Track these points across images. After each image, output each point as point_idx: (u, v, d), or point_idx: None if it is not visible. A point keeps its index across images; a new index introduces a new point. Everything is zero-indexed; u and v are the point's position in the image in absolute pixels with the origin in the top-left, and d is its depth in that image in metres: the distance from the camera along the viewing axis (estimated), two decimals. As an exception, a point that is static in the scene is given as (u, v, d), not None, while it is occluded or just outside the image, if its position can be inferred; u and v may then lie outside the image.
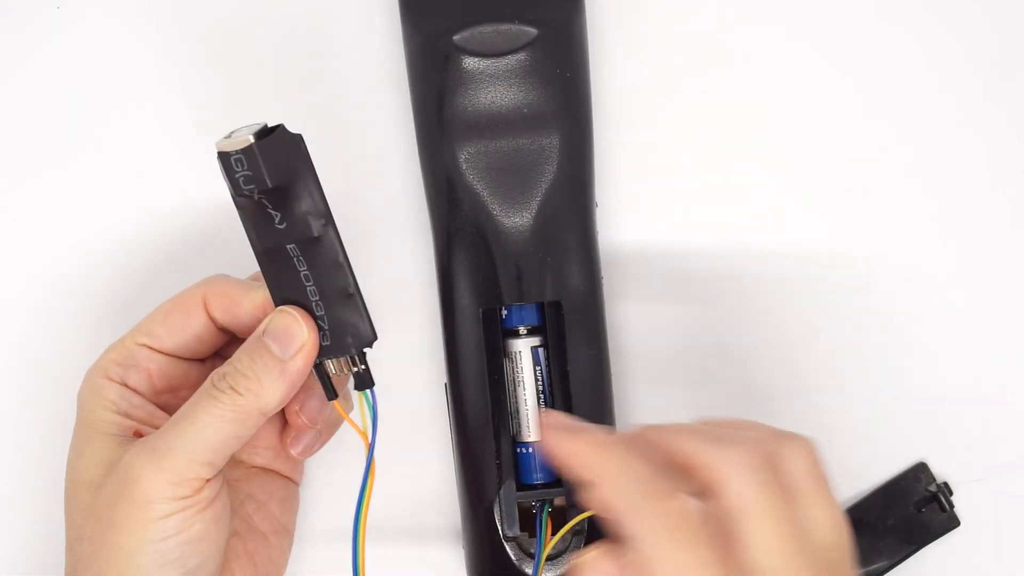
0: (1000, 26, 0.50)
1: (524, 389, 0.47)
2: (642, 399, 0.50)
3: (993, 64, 0.50)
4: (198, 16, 0.50)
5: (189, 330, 0.44)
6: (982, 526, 0.49)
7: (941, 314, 0.50)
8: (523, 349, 0.47)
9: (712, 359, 0.50)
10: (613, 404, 0.47)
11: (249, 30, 0.50)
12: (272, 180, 0.38)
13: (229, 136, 0.38)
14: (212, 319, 0.44)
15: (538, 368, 0.47)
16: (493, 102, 0.46)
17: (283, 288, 0.41)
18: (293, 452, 0.46)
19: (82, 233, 0.50)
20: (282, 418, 0.46)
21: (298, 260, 0.40)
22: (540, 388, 0.47)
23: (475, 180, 0.46)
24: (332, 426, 0.47)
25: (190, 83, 0.50)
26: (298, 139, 0.38)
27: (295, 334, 0.40)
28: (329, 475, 0.50)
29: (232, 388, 0.40)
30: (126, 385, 0.43)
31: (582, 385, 0.46)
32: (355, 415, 0.42)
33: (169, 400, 0.44)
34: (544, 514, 0.46)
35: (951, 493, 0.49)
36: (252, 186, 0.38)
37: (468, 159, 0.46)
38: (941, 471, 0.49)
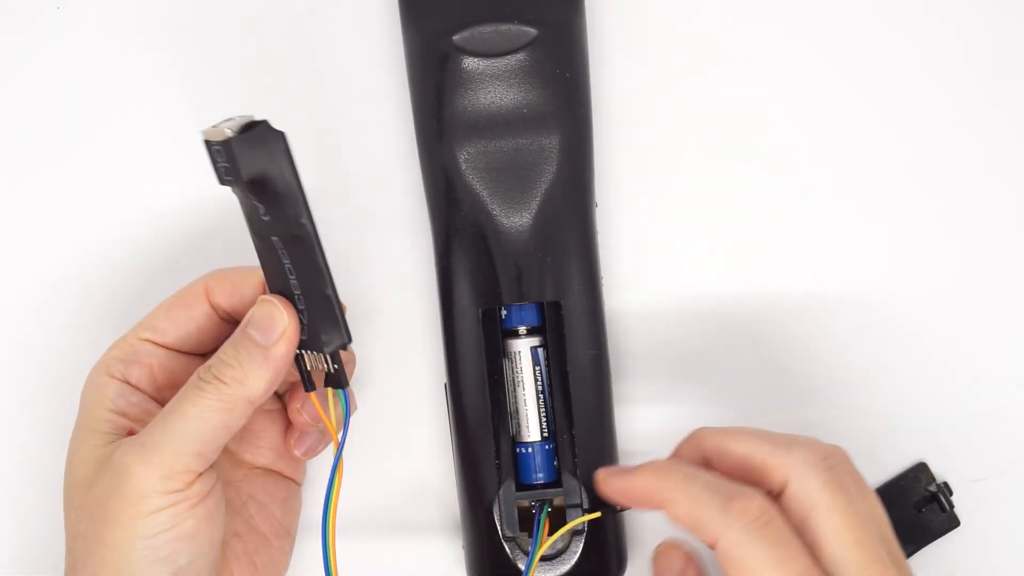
0: (1000, 26, 0.50)
1: (524, 389, 0.47)
2: (642, 399, 0.50)
3: (993, 64, 0.50)
4: (198, 16, 0.50)
5: (192, 322, 0.44)
6: (982, 526, 0.49)
7: (941, 314, 0.50)
8: (523, 349, 0.47)
9: (712, 359, 0.50)
10: (613, 404, 0.47)
11: (249, 30, 0.50)
12: (247, 174, 0.38)
13: (217, 125, 0.38)
14: (215, 308, 0.44)
15: (538, 368, 0.47)
16: (493, 102, 0.46)
17: (272, 276, 0.41)
18: (297, 452, 0.46)
19: (82, 233, 0.50)
20: (285, 419, 0.46)
21: (282, 253, 0.40)
22: (540, 388, 0.47)
23: (475, 180, 0.46)
24: (338, 428, 0.47)
25: (190, 83, 0.50)
26: (280, 136, 0.38)
27: (276, 320, 0.40)
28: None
29: (217, 378, 0.40)
30: (127, 382, 0.43)
31: (582, 385, 0.46)
32: (333, 414, 0.43)
33: (171, 396, 0.44)
34: (543, 514, 0.46)
35: (951, 493, 0.49)
36: (231, 177, 0.38)
37: (468, 159, 0.46)
38: (941, 471, 0.49)
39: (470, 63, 0.45)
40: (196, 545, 0.40)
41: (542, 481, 0.46)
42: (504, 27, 0.45)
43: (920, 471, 0.49)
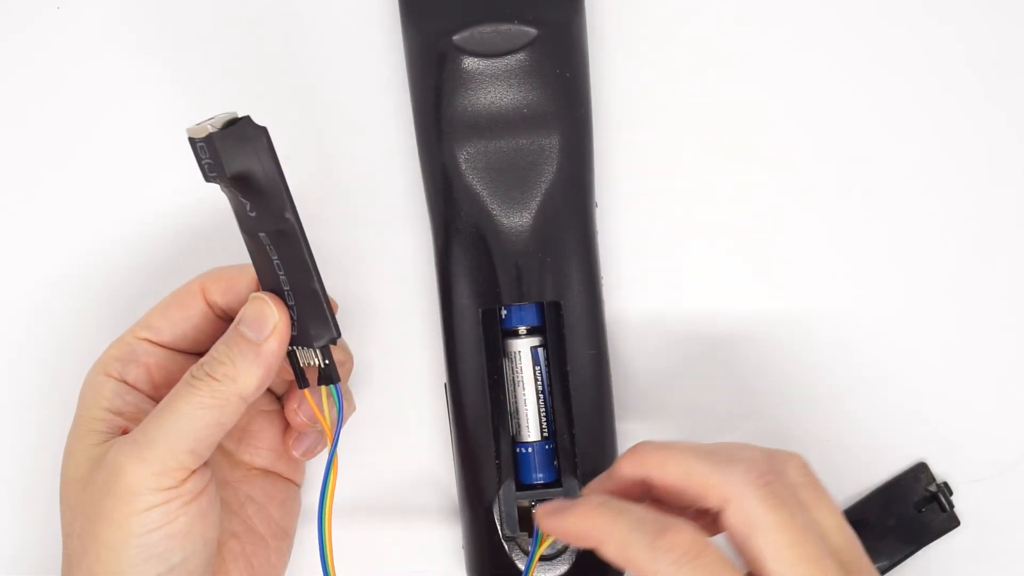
0: (1000, 26, 0.50)
1: (524, 389, 0.47)
2: (642, 399, 0.50)
3: (993, 64, 0.50)
4: (198, 16, 0.50)
5: (188, 321, 0.44)
6: (982, 526, 0.49)
7: (941, 314, 0.50)
8: (523, 349, 0.47)
9: (711, 359, 0.50)
10: (613, 404, 0.47)
11: (249, 30, 0.50)
12: (231, 170, 0.38)
13: (201, 122, 0.38)
14: (212, 307, 0.44)
15: (538, 368, 0.47)
16: (493, 102, 0.46)
17: (263, 273, 0.41)
18: (295, 453, 0.46)
19: (81, 233, 0.50)
20: (284, 419, 0.46)
21: (270, 249, 0.40)
22: (540, 388, 0.47)
23: (475, 180, 0.46)
24: (332, 426, 0.47)
25: (190, 83, 0.50)
26: (262, 131, 0.38)
27: (267, 316, 0.41)
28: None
29: (209, 375, 0.40)
30: (125, 381, 0.43)
31: (582, 385, 0.46)
32: (328, 411, 0.43)
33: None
34: (543, 514, 0.46)
35: (951, 493, 0.49)
36: (215, 174, 0.38)
37: (468, 159, 0.46)
38: (941, 471, 0.49)
39: (470, 63, 0.45)
40: (189, 543, 0.40)
41: (542, 481, 0.46)
42: (504, 27, 0.45)
43: (920, 471, 0.49)
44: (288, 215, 0.39)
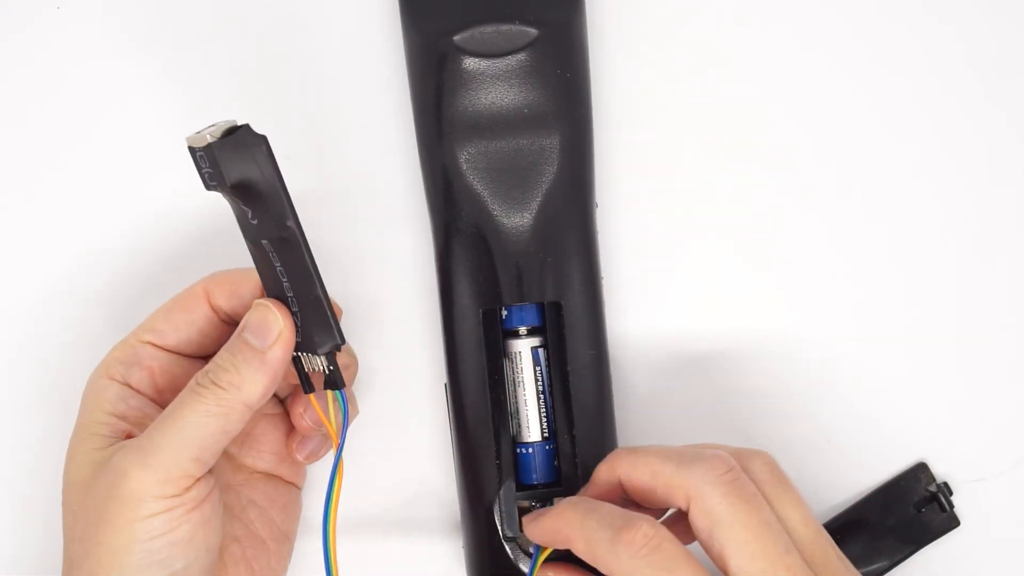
0: (1000, 26, 0.50)
1: (524, 389, 0.47)
2: (642, 399, 0.50)
3: (993, 64, 0.50)
4: (198, 17, 0.50)
5: (192, 324, 0.44)
6: (982, 526, 0.49)
7: (941, 314, 0.50)
8: (523, 349, 0.47)
9: (711, 357, 0.50)
10: (613, 404, 0.47)
11: (249, 31, 0.50)
12: (231, 178, 0.38)
13: (201, 131, 0.38)
14: (216, 311, 0.44)
15: (538, 368, 0.47)
16: (493, 102, 0.46)
17: (266, 280, 0.41)
18: (299, 457, 0.46)
19: (83, 234, 0.50)
20: (287, 423, 0.46)
21: (273, 256, 0.40)
22: (540, 388, 0.47)
23: (475, 180, 0.46)
24: (337, 430, 0.47)
25: (190, 83, 0.50)
26: (262, 139, 0.38)
27: (271, 324, 0.41)
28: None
29: (214, 383, 0.40)
30: (128, 384, 0.43)
31: (582, 385, 0.46)
32: (334, 416, 0.43)
33: (171, 399, 0.44)
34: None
35: (951, 493, 0.49)
36: (215, 182, 0.38)
37: (468, 159, 0.46)
38: (941, 471, 0.49)
39: (470, 63, 0.45)
40: (192, 550, 0.40)
41: (542, 481, 0.46)
42: (504, 27, 0.45)
43: (920, 471, 0.49)
44: (290, 223, 0.39)
